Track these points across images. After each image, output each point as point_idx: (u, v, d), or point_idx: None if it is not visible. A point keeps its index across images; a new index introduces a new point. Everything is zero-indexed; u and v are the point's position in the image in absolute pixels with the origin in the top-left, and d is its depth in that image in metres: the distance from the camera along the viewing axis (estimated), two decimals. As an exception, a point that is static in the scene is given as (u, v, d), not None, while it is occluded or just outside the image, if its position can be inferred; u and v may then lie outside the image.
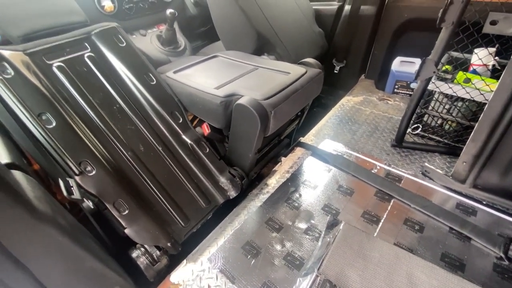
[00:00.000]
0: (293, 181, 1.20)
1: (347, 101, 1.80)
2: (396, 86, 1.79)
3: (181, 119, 1.14)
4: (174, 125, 1.12)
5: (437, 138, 1.36)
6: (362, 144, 1.42)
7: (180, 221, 1.00)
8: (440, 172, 1.16)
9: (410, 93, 1.76)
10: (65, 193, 0.66)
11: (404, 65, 1.73)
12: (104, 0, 1.41)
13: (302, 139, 1.45)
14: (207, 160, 1.13)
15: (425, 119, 1.38)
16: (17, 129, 0.86)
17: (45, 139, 0.84)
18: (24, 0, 1.02)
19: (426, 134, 1.39)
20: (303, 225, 1.01)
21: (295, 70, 1.19)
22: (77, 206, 0.98)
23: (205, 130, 1.16)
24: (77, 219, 0.87)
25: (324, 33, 1.80)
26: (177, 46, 1.62)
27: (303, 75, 1.16)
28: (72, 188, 0.70)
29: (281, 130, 1.32)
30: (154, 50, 1.55)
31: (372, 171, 1.23)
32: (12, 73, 0.86)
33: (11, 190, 0.47)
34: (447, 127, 1.33)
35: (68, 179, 0.75)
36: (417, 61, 1.65)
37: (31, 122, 0.84)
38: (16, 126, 0.86)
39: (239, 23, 1.39)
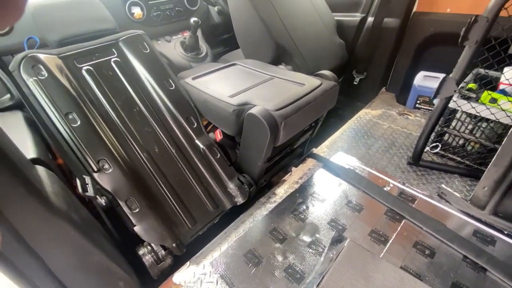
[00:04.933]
0: (301, 192, 1.19)
1: (365, 114, 1.76)
2: (418, 101, 1.73)
3: (195, 124, 1.19)
4: (189, 129, 1.17)
5: (458, 158, 1.30)
6: (377, 159, 1.38)
7: (188, 223, 1.04)
8: (458, 195, 1.10)
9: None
10: (80, 190, 0.72)
11: (427, 80, 1.67)
12: (134, 8, 1.50)
13: (315, 150, 1.44)
14: (217, 166, 1.16)
15: (445, 138, 1.32)
16: (46, 126, 0.93)
17: (69, 136, 0.91)
18: (61, 8, 1.12)
19: (446, 154, 1.33)
20: (307, 238, 1.00)
21: (310, 82, 1.19)
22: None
23: (218, 136, 1.20)
24: (93, 213, 0.93)
25: (345, 44, 1.78)
26: (199, 53, 1.68)
27: (317, 87, 1.16)
28: (87, 186, 0.76)
29: (293, 140, 1.32)
30: (177, 56, 1.62)
31: (385, 189, 1.20)
32: (46, 75, 0.94)
33: (31, 185, 0.52)
34: (469, 148, 1.27)
35: (84, 176, 0.80)
36: (442, 77, 1.58)
37: (58, 120, 0.91)
38: (45, 123, 0.93)
39: (259, 33, 1.42)
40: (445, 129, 1.29)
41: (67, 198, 0.65)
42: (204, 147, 1.16)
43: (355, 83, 1.94)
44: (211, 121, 1.21)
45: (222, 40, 2.10)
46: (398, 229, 1.03)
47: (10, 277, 0.53)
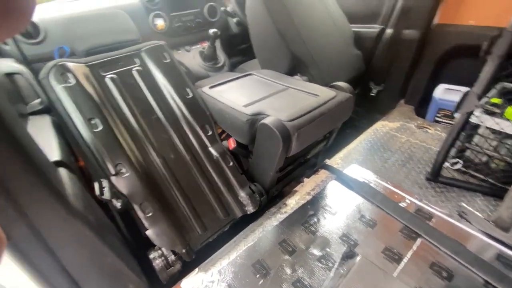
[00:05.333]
0: (313, 204, 1.17)
1: (381, 126, 1.72)
2: (438, 115, 1.67)
3: (210, 132, 1.21)
4: (204, 137, 1.19)
5: (481, 176, 1.23)
6: (393, 173, 1.34)
7: (198, 229, 1.05)
8: (480, 215, 1.04)
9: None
10: (97, 192, 0.75)
11: (448, 93, 1.61)
12: (157, 19, 1.58)
13: (328, 161, 1.42)
14: (229, 174, 1.17)
15: (467, 154, 1.27)
16: (70, 129, 0.99)
17: (91, 140, 0.96)
18: (90, 20, 1.20)
19: (468, 171, 1.27)
20: (317, 252, 0.99)
21: (325, 93, 1.19)
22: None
23: (231, 144, 1.21)
24: (108, 215, 0.96)
25: (362, 55, 1.77)
26: (216, 62, 1.73)
27: (332, 98, 1.15)
28: (104, 189, 0.79)
29: (306, 151, 1.32)
30: (195, 65, 1.68)
31: (401, 205, 1.16)
32: (74, 82, 1.01)
33: (53, 186, 0.55)
34: (493, 165, 1.20)
35: (102, 180, 0.84)
36: (464, 90, 1.53)
37: (82, 125, 0.97)
38: (69, 127, 0.99)
39: (275, 44, 1.45)
40: (467, 144, 1.23)
41: (86, 200, 0.68)
42: (217, 155, 1.18)
43: (372, 94, 1.91)
44: (225, 129, 1.23)
45: (239, 50, 2.15)
46: (414, 248, 0.98)
47: (27, 274, 0.56)
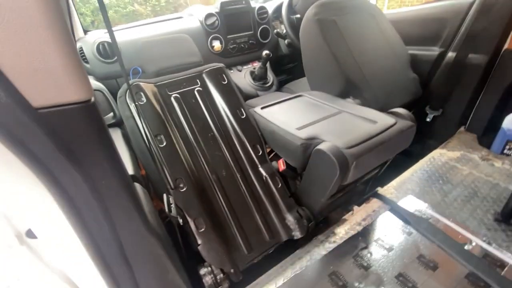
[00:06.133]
0: (364, 236, 1.11)
1: (439, 155, 1.60)
2: (508, 147, 1.50)
3: (261, 152, 1.23)
4: (254, 157, 1.22)
5: None
6: (455, 210, 1.22)
7: (244, 249, 1.06)
8: None
9: (529, 158, 1.45)
10: (166, 209, 0.80)
11: (522, 124, 1.45)
12: (214, 42, 1.68)
13: (380, 190, 1.35)
14: (277, 195, 1.17)
15: (550, 196, 1.11)
16: (138, 144, 1.08)
17: (156, 155, 1.04)
18: (160, 44, 1.32)
19: (550, 216, 1.11)
20: (371, 290, 0.92)
21: (383, 120, 1.14)
22: (163, 214, 1.15)
23: (281, 166, 1.21)
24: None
25: (419, 78, 1.68)
26: (266, 82, 1.78)
27: (391, 126, 1.11)
28: (171, 206, 0.84)
29: (360, 178, 1.27)
30: (246, 84, 1.74)
31: (465, 247, 1.05)
32: (145, 100, 1.10)
33: (136, 201, 0.60)
34: None
35: (169, 196, 0.89)
36: (543, 122, 1.36)
37: (149, 140, 1.05)
38: (138, 141, 1.08)
39: (329, 67, 1.44)
40: (550, 186, 1.08)
41: (156, 217, 0.73)
42: (267, 175, 1.19)
43: (427, 119, 1.79)
44: (277, 151, 1.24)
45: (285, 69, 2.19)
46: (485, 300, 0.88)
47: (106, 281, 0.61)
